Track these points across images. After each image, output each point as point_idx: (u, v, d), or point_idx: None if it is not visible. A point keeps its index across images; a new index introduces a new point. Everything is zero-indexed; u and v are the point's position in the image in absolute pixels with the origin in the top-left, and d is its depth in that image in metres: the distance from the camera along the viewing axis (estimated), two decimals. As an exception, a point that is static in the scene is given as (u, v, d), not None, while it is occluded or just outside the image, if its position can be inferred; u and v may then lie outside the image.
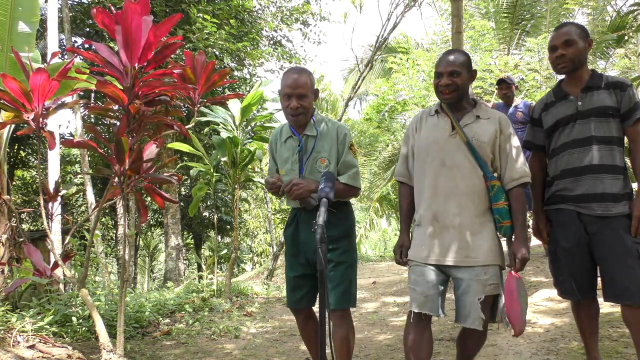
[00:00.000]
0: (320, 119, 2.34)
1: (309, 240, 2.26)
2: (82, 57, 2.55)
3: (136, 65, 2.37)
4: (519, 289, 2.01)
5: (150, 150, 2.75)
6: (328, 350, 1.63)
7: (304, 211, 2.30)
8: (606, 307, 3.36)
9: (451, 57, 2.14)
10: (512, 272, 2.03)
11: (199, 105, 2.89)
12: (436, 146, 2.14)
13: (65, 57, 7.67)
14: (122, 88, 2.40)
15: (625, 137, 2.19)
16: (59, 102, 2.66)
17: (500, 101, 5.29)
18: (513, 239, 2.09)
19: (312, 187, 2.18)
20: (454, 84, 2.10)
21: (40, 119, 2.57)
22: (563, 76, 2.32)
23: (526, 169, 2.13)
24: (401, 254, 2.23)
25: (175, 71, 2.59)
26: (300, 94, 2.20)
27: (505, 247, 2.15)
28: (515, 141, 2.17)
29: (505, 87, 5.05)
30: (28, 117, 2.52)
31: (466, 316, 2.03)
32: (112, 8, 2.51)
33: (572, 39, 2.17)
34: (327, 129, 2.31)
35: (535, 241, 5.74)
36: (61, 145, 6.16)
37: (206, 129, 9.09)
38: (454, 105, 2.18)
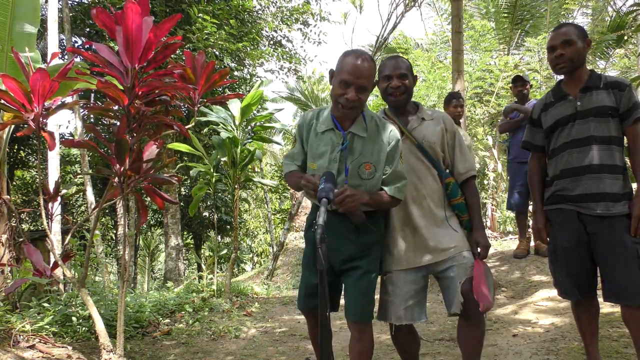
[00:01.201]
0: (370, 116, 2.05)
1: (334, 246, 2.00)
2: (82, 58, 2.55)
3: (136, 65, 2.37)
4: (485, 273, 2.06)
5: (151, 151, 2.75)
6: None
7: (332, 213, 1.98)
8: (606, 307, 3.36)
9: (397, 62, 2.21)
10: (478, 261, 2.10)
11: (199, 105, 2.89)
12: None
13: (66, 57, 7.68)
14: (122, 88, 2.40)
15: (625, 137, 2.19)
16: (59, 103, 2.66)
17: (514, 101, 5.29)
18: (473, 230, 2.18)
19: (364, 199, 1.94)
20: (404, 86, 2.16)
21: (40, 119, 2.57)
22: (562, 77, 2.32)
23: (472, 163, 2.25)
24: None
25: (175, 71, 2.60)
26: (361, 86, 1.91)
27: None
28: (460, 137, 2.26)
29: (521, 84, 5.07)
30: (28, 118, 2.52)
31: (452, 302, 2.07)
32: (112, 8, 2.51)
33: (571, 39, 2.18)
34: (377, 130, 2.03)
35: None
36: (61, 145, 6.16)
37: (206, 129, 9.09)
38: (399, 110, 2.24)
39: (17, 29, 3.89)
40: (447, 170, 2.22)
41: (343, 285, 2.13)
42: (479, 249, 2.13)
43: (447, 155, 2.22)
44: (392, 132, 2.04)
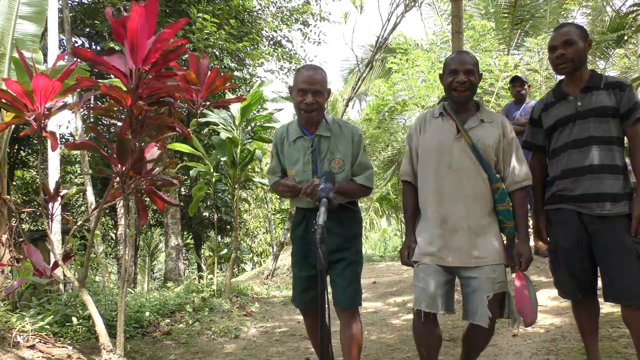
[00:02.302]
0: (331, 119, 2.32)
1: None
2: (83, 59, 2.56)
3: (141, 67, 2.38)
4: (528, 285, 2.07)
5: (152, 152, 2.76)
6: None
7: (314, 211, 2.16)
8: (606, 307, 3.36)
9: (465, 57, 2.18)
10: (519, 272, 2.09)
11: (201, 108, 2.90)
12: (442, 149, 2.16)
13: (66, 57, 7.67)
14: (125, 89, 2.41)
15: (625, 137, 2.19)
16: (61, 103, 2.66)
17: (512, 101, 5.31)
18: (517, 240, 2.14)
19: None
20: (469, 82, 2.13)
21: (42, 120, 2.57)
22: (563, 76, 2.32)
23: (528, 173, 2.19)
24: (408, 255, 2.24)
25: (178, 73, 2.61)
26: (316, 90, 2.18)
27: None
28: (517, 145, 2.22)
29: (519, 85, 5.08)
30: (29, 118, 2.52)
31: (474, 313, 2.06)
32: (121, 9, 2.52)
33: (572, 39, 2.17)
34: (340, 129, 2.29)
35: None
36: (63, 144, 6.18)
37: (206, 129, 9.09)
38: (459, 108, 2.19)
39: (23, 30, 3.88)
40: (498, 176, 2.17)
41: (330, 277, 2.27)
42: (521, 260, 2.10)
43: (500, 161, 2.17)
44: (353, 128, 2.31)
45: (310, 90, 2.17)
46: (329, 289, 2.28)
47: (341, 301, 2.21)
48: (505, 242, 2.19)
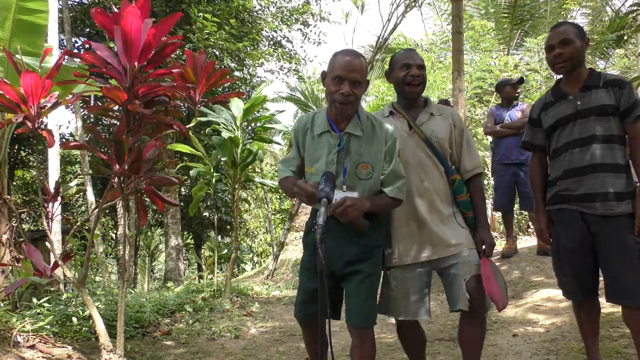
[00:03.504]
0: (365, 115, 2.03)
1: (336, 251, 1.95)
2: (80, 59, 2.56)
3: (136, 64, 2.37)
4: (494, 271, 2.06)
5: (151, 152, 2.75)
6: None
7: (331, 218, 1.88)
8: (606, 307, 3.36)
9: (416, 53, 2.23)
10: (485, 259, 2.09)
11: (199, 105, 2.89)
12: None
13: (66, 58, 7.67)
14: (121, 88, 2.41)
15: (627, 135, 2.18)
16: (54, 101, 2.65)
17: (498, 104, 5.37)
18: (478, 227, 2.17)
19: (365, 207, 1.90)
20: (422, 76, 2.18)
21: (36, 119, 2.56)
22: (561, 76, 2.31)
23: (479, 160, 2.24)
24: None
25: (174, 70, 2.59)
26: (355, 80, 1.90)
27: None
28: (468, 135, 2.26)
29: (518, 86, 5.12)
30: (18, 119, 2.50)
31: (456, 299, 2.05)
32: (114, 8, 2.52)
33: (569, 37, 2.17)
34: (373, 129, 2.01)
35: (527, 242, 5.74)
36: (62, 145, 6.18)
37: (207, 129, 9.10)
38: (409, 104, 2.24)
39: (25, 30, 3.86)
40: (453, 167, 2.22)
41: (344, 290, 2.06)
42: (484, 247, 2.12)
43: (454, 152, 2.21)
44: (388, 130, 2.02)
45: (348, 79, 1.89)
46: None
47: (355, 320, 1.98)
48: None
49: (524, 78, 5.28)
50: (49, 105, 2.61)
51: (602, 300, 2.18)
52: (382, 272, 2.20)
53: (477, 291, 2.01)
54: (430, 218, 2.11)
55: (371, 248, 2.02)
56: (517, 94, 5.13)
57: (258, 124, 5.84)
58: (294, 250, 11.64)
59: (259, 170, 14.92)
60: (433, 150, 2.14)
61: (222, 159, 5.44)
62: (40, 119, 2.60)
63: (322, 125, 2.03)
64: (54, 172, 6.16)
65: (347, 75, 1.89)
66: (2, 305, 3.25)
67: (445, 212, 2.14)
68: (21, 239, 3.76)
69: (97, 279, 6.48)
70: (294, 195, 1.97)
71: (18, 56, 2.64)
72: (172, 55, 2.71)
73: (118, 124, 2.53)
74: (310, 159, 2.05)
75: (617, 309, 3.31)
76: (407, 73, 2.16)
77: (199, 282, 6.20)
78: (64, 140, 11.06)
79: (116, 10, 2.39)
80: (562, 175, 2.22)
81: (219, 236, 14.65)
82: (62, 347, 3.06)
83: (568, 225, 2.20)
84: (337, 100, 1.92)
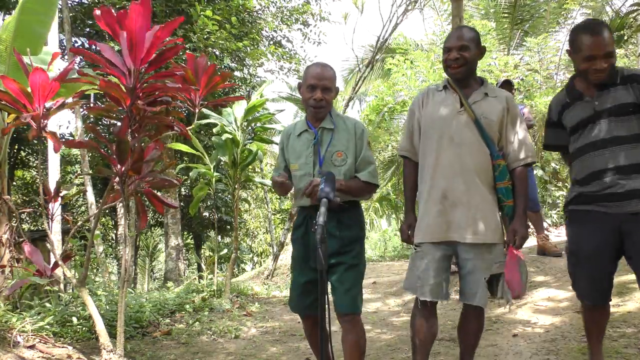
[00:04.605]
0: (337, 115, 2.32)
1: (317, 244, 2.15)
2: (84, 58, 2.57)
3: (139, 66, 2.38)
4: (519, 261, 2.04)
5: (153, 153, 2.75)
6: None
7: (316, 212, 2.03)
8: (606, 307, 3.36)
9: (461, 33, 2.15)
10: (513, 249, 2.06)
11: (199, 107, 2.90)
12: (444, 122, 2.12)
13: (66, 57, 7.67)
14: (124, 89, 2.41)
15: None
16: (60, 103, 2.66)
17: None
18: (515, 217, 2.12)
19: (337, 185, 2.05)
20: (462, 57, 2.10)
21: (42, 120, 2.57)
22: (576, 72, 2.19)
23: (532, 149, 2.14)
24: (409, 233, 2.22)
25: (176, 72, 2.61)
26: (325, 87, 2.19)
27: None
28: (522, 121, 2.18)
29: (508, 88, 5.13)
30: (26, 119, 2.51)
31: (473, 295, 2.05)
32: (112, 9, 2.52)
33: (609, 51, 2.00)
34: (344, 123, 2.28)
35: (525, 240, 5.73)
36: (62, 143, 6.19)
37: (207, 130, 9.10)
38: (462, 82, 2.17)
39: (29, 30, 3.85)
40: (500, 153, 2.13)
41: (330, 282, 2.18)
42: (515, 238, 2.08)
43: (503, 137, 2.13)
44: (356, 123, 2.31)
45: (319, 86, 2.18)
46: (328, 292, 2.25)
47: (341, 307, 2.16)
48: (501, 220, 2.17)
49: (511, 81, 5.28)
50: (55, 107, 2.61)
51: (615, 300, 2.17)
52: (412, 249, 2.20)
53: (488, 286, 2.04)
54: (465, 200, 2.06)
55: (351, 241, 2.19)
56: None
57: (258, 124, 5.84)
58: (294, 250, 11.61)
59: (259, 170, 14.91)
60: (480, 130, 2.08)
61: (222, 159, 5.45)
62: (46, 121, 2.60)
63: (301, 127, 2.33)
64: (54, 172, 6.16)
65: (318, 83, 2.18)
66: (2, 305, 3.25)
67: (482, 197, 2.07)
68: (21, 239, 3.76)
69: (97, 279, 6.48)
70: (276, 190, 2.28)
71: (26, 58, 2.63)
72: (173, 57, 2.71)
73: (119, 124, 2.53)
74: (293, 157, 2.30)
75: (617, 309, 3.31)
76: (447, 56, 2.14)
77: (199, 282, 6.20)
78: (63, 140, 11.06)
79: (116, 11, 2.39)
80: (586, 176, 2.12)
81: (219, 236, 14.65)
82: (62, 347, 3.07)
83: (592, 227, 2.11)
84: (311, 105, 2.20)
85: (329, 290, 2.17)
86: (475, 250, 2.05)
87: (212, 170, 5.52)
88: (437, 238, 2.10)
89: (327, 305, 1.58)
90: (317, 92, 2.18)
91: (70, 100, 2.78)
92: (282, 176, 2.21)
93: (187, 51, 8.21)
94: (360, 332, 2.17)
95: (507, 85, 5.17)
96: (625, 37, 9.70)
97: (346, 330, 2.16)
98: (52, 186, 3.33)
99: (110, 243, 14.49)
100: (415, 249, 2.17)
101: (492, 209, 2.11)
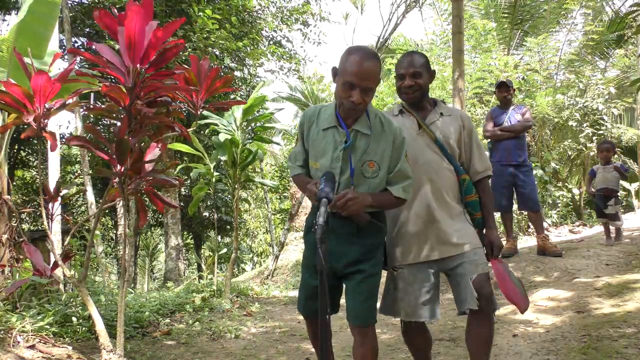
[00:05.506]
0: (374, 113, 1.97)
1: (336, 248, 1.94)
2: (82, 58, 2.57)
3: (138, 66, 2.37)
4: (507, 272, 2.09)
5: (153, 153, 2.75)
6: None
7: (332, 216, 1.88)
8: (606, 307, 3.36)
9: (412, 59, 2.22)
10: (494, 261, 2.11)
11: (201, 110, 2.90)
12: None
13: (66, 57, 7.67)
14: (123, 89, 2.41)
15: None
16: (61, 103, 2.66)
17: (496, 106, 5.38)
18: (486, 229, 2.20)
19: (367, 201, 1.88)
20: (416, 84, 2.18)
21: (42, 120, 2.57)
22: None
23: (488, 163, 2.26)
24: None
25: (177, 72, 2.61)
26: (367, 88, 1.83)
27: None
28: (477, 136, 2.27)
29: (505, 90, 5.14)
30: (28, 119, 2.52)
31: (464, 300, 2.04)
32: (113, 9, 2.52)
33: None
34: (382, 127, 1.95)
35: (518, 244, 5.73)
36: (62, 144, 6.18)
37: (207, 130, 9.10)
38: (417, 106, 2.26)
39: (31, 31, 3.84)
40: (462, 167, 2.23)
41: (344, 287, 2.08)
42: (492, 249, 2.15)
43: (462, 153, 2.23)
44: (397, 129, 1.96)
45: (359, 86, 1.80)
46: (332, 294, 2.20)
47: (355, 317, 1.99)
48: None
49: (504, 81, 5.27)
50: (55, 107, 2.61)
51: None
52: (388, 271, 2.21)
53: (484, 289, 2.00)
54: (440, 216, 2.12)
55: (372, 248, 2.01)
56: (507, 96, 5.14)
57: (258, 124, 5.84)
58: (294, 251, 11.64)
59: (259, 170, 14.91)
60: (442, 149, 2.16)
61: (222, 159, 5.45)
62: (46, 121, 2.60)
63: (329, 120, 1.96)
64: (54, 172, 6.16)
65: (359, 82, 1.80)
66: (2, 305, 3.25)
67: (455, 210, 2.15)
68: (21, 239, 3.76)
69: (97, 279, 6.48)
70: (305, 194, 2.01)
71: (27, 59, 2.63)
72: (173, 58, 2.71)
73: (119, 124, 2.53)
74: (315, 154, 2.00)
75: (617, 309, 3.31)
76: (402, 84, 2.21)
77: (199, 282, 6.20)
78: (64, 140, 11.07)
79: (116, 11, 2.39)
80: None
81: (219, 236, 14.66)
82: (62, 347, 3.06)
83: None
84: (347, 106, 1.86)
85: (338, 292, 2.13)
86: (461, 256, 2.08)
87: (212, 170, 5.52)
88: (416, 259, 2.13)
89: (327, 305, 1.56)
90: (356, 93, 1.81)
91: (70, 101, 2.78)
92: (313, 183, 1.89)
93: (187, 51, 8.23)
94: (372, 345, 2.01)
95: (503, 86, 5.17)
96: (625, 37, 9.70)
97: (358, 343, 2.01)
98: (52, 186, 3.32)
99: (110, 243, 14.50)
100: (394, 271, 2.18)
101: (465, 218, 2.19)
